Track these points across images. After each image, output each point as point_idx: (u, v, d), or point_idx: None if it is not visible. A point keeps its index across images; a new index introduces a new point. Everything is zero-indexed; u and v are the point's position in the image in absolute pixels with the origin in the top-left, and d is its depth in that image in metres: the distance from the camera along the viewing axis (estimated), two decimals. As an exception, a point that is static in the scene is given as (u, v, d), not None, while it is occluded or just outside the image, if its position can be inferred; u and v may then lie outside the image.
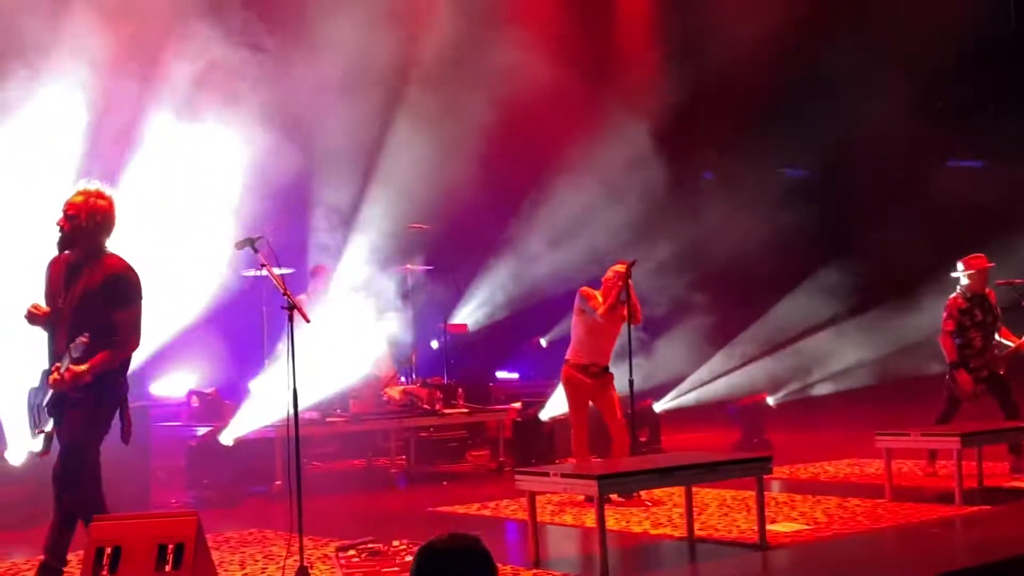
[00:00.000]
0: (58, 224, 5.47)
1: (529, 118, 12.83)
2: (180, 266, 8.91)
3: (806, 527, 6.95)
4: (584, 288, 8.51)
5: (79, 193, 5.50)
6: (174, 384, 11.10)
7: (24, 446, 7.65)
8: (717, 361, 13.72)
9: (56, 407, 5.45)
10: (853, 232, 14.81)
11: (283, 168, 10.37)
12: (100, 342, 5.28)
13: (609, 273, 8.43)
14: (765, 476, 6.58)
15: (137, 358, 8.63)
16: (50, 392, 5.42)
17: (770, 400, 12.37)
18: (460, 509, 8.33)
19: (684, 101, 14.90)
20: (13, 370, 7.17)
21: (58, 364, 5.31)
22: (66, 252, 5.54)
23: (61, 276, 5.49)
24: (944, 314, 9.23)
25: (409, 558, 6.14)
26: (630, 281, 8.23)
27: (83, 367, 5.26)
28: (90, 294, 5.37)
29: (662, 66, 14.25)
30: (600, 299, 8.36)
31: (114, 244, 5.62)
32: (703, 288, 14.61)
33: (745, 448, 11.32)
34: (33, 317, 5.45)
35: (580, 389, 8.37)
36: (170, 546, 5.00)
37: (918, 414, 9.78)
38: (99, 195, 5.50)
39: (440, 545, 2.55)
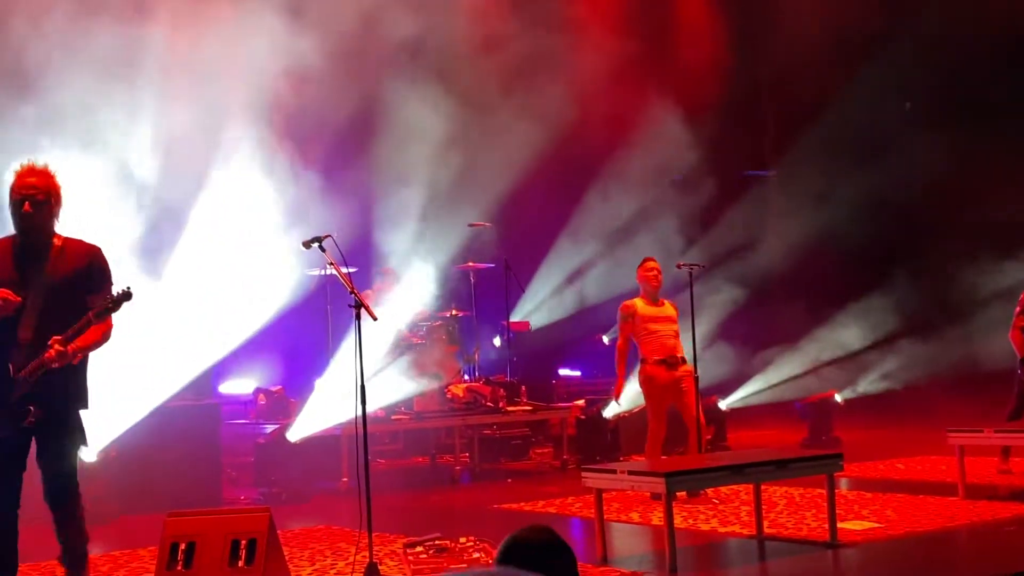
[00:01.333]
0: (25, 211, 4.93)
1: (590, 117, 12.83)
2: (248, 267, 9.03)
3: (877, 525, 6.85)
4: (623, 305, 8.51)
5: (32, 173, 4.98)
6: (242, 382, 11.27)
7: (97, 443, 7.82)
8: (783, 359, 13.58)
9: (47, 425, 4.89)
10: (917, 241, 14.57)
11: (347, 168, 10.49)
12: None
13: (643, 274, 8.45)
14: (836, 474, 6.50)
15: (206, 356, 8.88)
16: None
17: (838, 397, 12.21)
18: (525, 506, 8.34)
19: (747, 102, 14.84)
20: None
21: (57, 336, 4.82)
22: (7, 238, 5.07)
23: (11, 263, 4.98)
24: (1017, 308, 9.03)
25: (477, 555, 6.15)
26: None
27: (70, 346, 4.84)
28: (69, 279, 4.96)
29: (724, 67, 14.14)
30: (639, 305, 8.38)
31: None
32: (768, 287, 14.50)
33: (813, 446, 11.19)
34: (8, 305, 4.86)
35: (661, 386, 8.30)
36: (243, 541, 5.07)
37: (986, 410, 9.61)
38: (53, 173, 5.02)
39: (523, 537, 2.54)
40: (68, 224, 5.18)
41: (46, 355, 4.81)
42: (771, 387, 13.12)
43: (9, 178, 5.09)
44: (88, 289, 4.98)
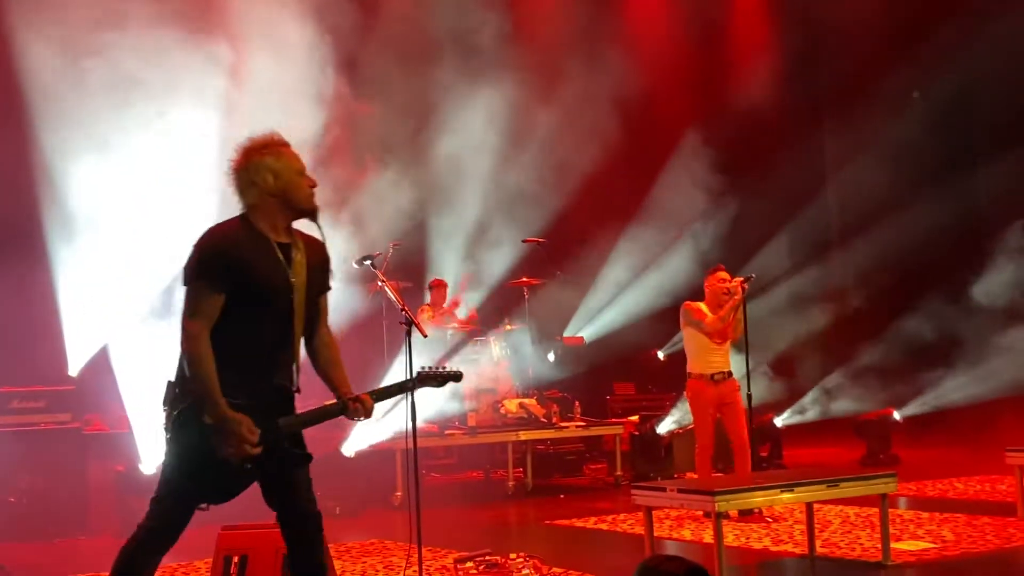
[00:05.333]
0: (311, 187, 4.02)
1: (640, 129, 12.85)
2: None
3: (932, 545, 6.76)
4: (686, 303, 8.39)
5: (291, 152, 4.02)
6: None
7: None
8: (840, 375, 13.43)
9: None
10: (978, 254, 14.32)
11: (399, 187, 10.62)
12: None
13: (715, 284, 8.30)
14: (890, 493, 6.42)
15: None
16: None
17: (896, 415, 12.03)
18: (576, 522, 8.34)
19: (804, 108, 14.74)
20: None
21: (357, 395, 4.26)
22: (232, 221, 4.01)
23: (273, 258, 3.97)
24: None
25: (527, 571, 6.18)
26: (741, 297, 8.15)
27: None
28: (318, 280, 4.13)
29: (778, 79, 14.07)
30: (705, 310, 8.26)
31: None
32: (826, 300, 14.35)
33: (870, 464, 11.05)
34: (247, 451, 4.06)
35: (708, 401, 8.22)
36: (294, 555, 5.13)
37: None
38: None
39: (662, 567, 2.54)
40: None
41: (351, 406, 4.26)
42: (828, 404, 12.96)
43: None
44: (322, 294, 4.18)
